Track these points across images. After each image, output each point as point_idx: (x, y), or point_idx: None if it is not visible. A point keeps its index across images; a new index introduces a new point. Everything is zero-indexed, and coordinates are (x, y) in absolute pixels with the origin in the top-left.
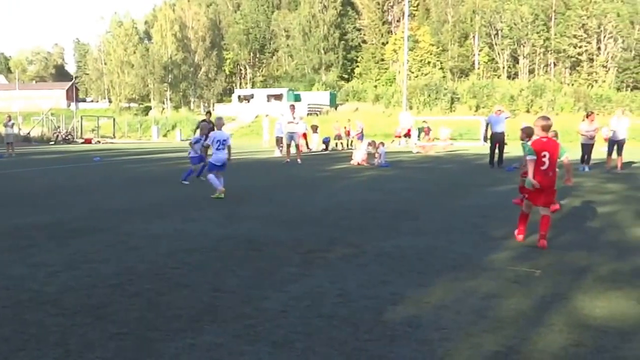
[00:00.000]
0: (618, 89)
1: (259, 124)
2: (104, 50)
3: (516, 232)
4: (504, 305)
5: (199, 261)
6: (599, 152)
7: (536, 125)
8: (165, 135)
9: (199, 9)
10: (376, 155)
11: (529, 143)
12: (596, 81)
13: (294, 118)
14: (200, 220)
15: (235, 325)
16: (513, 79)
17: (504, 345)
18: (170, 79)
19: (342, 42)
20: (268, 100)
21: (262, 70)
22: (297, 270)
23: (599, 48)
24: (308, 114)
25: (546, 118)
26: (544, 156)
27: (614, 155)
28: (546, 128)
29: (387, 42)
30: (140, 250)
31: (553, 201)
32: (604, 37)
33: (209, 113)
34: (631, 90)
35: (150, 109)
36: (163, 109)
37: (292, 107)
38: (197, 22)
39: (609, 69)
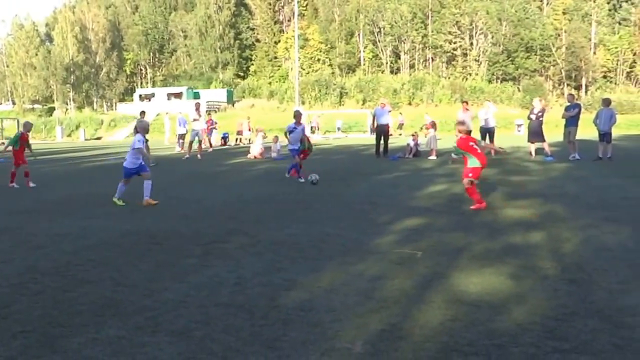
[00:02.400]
0: (489, 81)
1: (160, 122)
2: (5, 52)
3: (476, 205)
4: (388, 285)
5: (101, 257)
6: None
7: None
8: (69, 135)
9: (98, 11)
10: (272, 148)
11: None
12: (470, 74)
13: (200, 116)
14: (103, 216)
15: (137, 318)
16: (396, 73)
17: (388, 324)
18: (72, 80)
19: (237, 41)
20: (168, 99)
21: (162, 70)
22: (197, 262)
23: (471, 43)
24: (207, 111)
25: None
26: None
27: (487, 142)
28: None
29: (279, 41)
30: (45, 249)
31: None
32: (476, 33)
33: (143, 113)
34: (501, 82)
35: (54, 109)
36: (67, 109)
37: (197, 104)
38: (97, 24)
39: (481, 63)
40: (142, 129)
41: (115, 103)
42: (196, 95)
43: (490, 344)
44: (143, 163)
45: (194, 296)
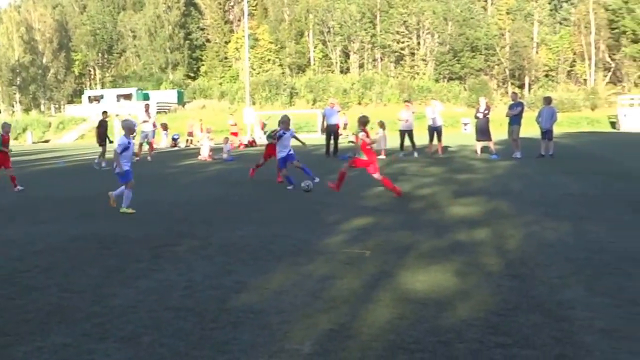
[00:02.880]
0: (437, 80)
1: (110, 123)
2: None
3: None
4: (337, 285)
5: (49, 263)
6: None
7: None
8: (16, 138)
9: (44, 11)
10: (223, 149)
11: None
12: (417, 74)
13: (149, 117)
14: (51, 221)
15: (84, 325)
16: (345, 73)
17: (337, 323)
18: (18, 82)
19: (187, 41)
20: (118, 100)
21: (111, 71)
22: (146, 266)
23: (418, 43)
24: (157, 112)
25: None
26: None
27: (435, 141)
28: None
29: (230, 41)
30: None
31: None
32: (423, 32)
33: (105, 113)
34: (447, 81)
35: (0, 112)
36: (13, 111)
37: (147, 106)
38: (44, 24)
39: (428, 62)
40: (126, 129)
41: (64, 105)
42: (146, 97)
43: (436, 341)
44: (118, 170)
45: (144, 301)
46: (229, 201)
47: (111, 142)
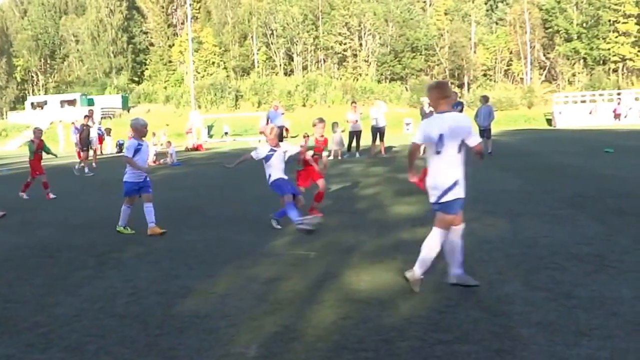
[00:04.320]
0: (379, 81)
1: (54, 130)
2: None
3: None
4: (283, 287)
5: None
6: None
7: None
8: None
9: None
10: (168, 154)
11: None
12: (360, 75)
13: (93, 123)
14: None
15: (28, 335)
16: (289, 75)
17: (282, 325)
18: None
19: (131, 45)
20: (62, 106)
21: (54, 76)
22: (91, 273)
23: (360, 44)
24: (102, 118)
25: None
26: None
27: (378, 141)
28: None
29: (173, 45)
30: None
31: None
32: (364, 34)
33: (87, 117)
34: (389, 81)
35: None
36: None
37: (91, 112)
38: None
39: (370, 63)
40: (135, 130)
41: (6, 112)
42: (90, 102)
43: (379, 340)
44: (147, 178)
45: (88, 309)
46: (173, 206)
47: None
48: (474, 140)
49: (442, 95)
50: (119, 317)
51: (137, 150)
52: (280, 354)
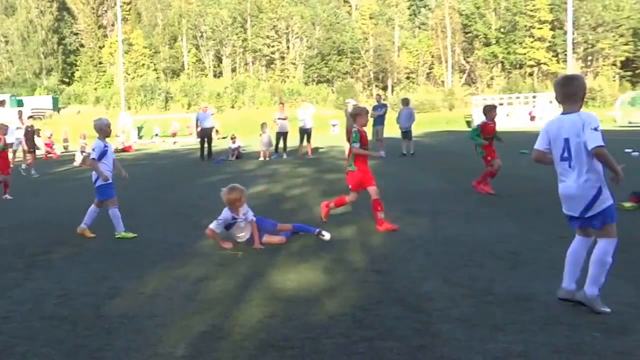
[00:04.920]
0: (306, 83)
1: None
2: None
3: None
4: (211, 287)
5: None
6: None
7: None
8: None
9: None
10: None
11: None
12: (288, 77)
13: (22, 124)
14: None
15: None
16: (218, 77)
17: (210, 325)
18: None
19: (61, 46)
20: None
21: None
22: (20, 275)
23: (288, 47)
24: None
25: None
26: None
27: (305, 142)
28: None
29: (104, 46)
30: None
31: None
32: (292, 37)
33: (30, 117)
34: (316, 84)
35: None
36: None
37: (20, 112)
38: None
39: (297, 66)
40: (100, 131)
41: None
42: (20, 103)
43: (305, 337)
44: (100, 182)
45: (17, 311)
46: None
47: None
48: None
49: None
50: (48, 319)
51: (103, 153)
52: (208, 353)
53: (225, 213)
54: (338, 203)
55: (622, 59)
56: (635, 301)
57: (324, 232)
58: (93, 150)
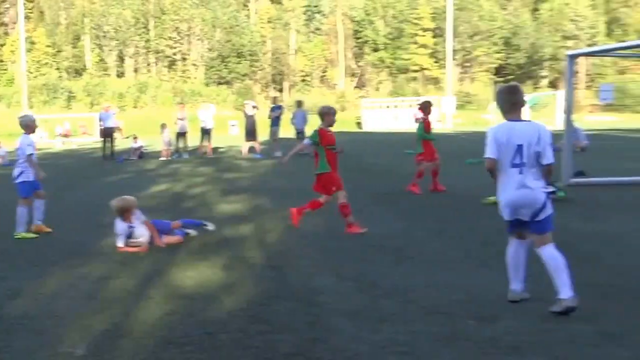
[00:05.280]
0: (207, 84)
1: None
2: None
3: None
4: (112, 286)
5: None
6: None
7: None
8: None
9: None
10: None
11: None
12: (189, 78)
13: None
14: None
15: None
16: (121, 77)
17: (111, 323)
18: None
19: None
20: None
21: None
22: None
23: (190, 48)
24: None
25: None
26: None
27: (205, 142)
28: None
29: (5, 44)
30: None
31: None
32: (193, 38)
33: None
34: (217, 85)
35: None
36: None
37: None
38: None
39: (198, 67)
40: (26, 127)
41: None
42: None
43: (203, 333)
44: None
45: None
46: (2, 207)
47: None
48: None
49: None
50: None
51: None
52: (108, 351)
53: (120, 225)
54: (346, 214)
55: (496, 65)
56: (505, 291)
57: (207, 223)
58: (29, 146)
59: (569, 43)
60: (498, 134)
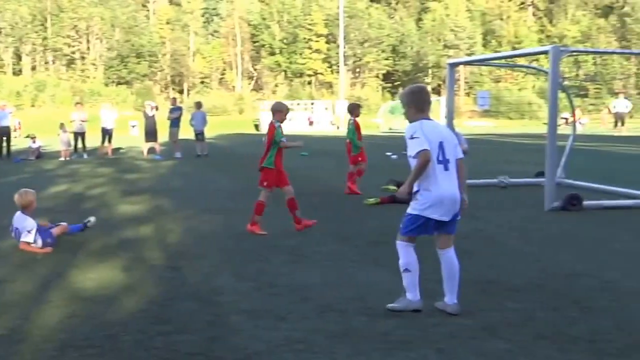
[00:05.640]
0: (106, 84)
1: None
2: None
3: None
4: (9, 289)
5: None
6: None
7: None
8: None
9: None
10: None
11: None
12: (88, 77)
13: None
14: None
15: None
16: (18, 75)
17: (8, 328)
18: None
19: None
20: None
21: None
22: None
23: (88, 47)
24: None
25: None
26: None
27: (106, 142)
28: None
29: None
30: None
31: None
32: (92, 37)
33: None
34: (116, 85)
35: None
36: None
37: None
38: None
39: (97, 67)
40: None
41: None
42: None
43: (104, 335)
44: None
45: None
46: None
47: None
48: None
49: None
50: None
51: None
52: (6, 357)
53: (29, 220)
54: (259, 212)
55: (384, 72)
56: (395, 287)
57: (90, 219)
58: None
59: (450, 52)
60: (425, 130)
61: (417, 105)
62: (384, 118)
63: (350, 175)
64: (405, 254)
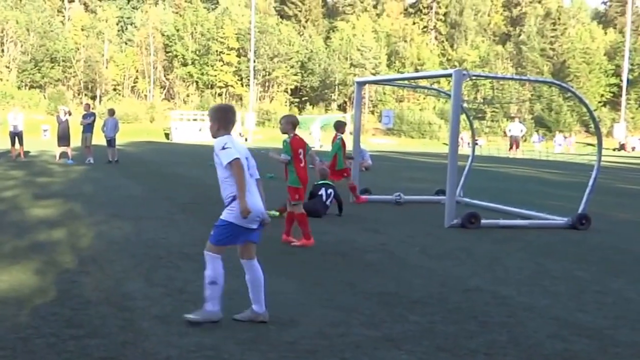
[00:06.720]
0: (19, 88)
1: None
2: None
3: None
4: None
5: None
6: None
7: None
8: None
9: None
10: None
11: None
12: (1, 80)
13: None
14: None
15: None
16: None
17: None
18: None
19: None
20: None
21: None
22: None
23: (2, 50)
24: None
25: (293, 116)
26: (300, 153)
27: (17, 145)
28: (296, 125)
29: None
30: None
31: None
32: (7, 41)
33: None
34: (29, 89)
35: None
36: None
37: None
38: None
39: (11, 70)
40: None
41: None
42: None
43: (16, 338)
44: None
45: None
46: None
47: None
48: None
49: None
50: None
51: None
52: None
53: None
54: (304, 226)
55: (292, 87)
56: (300, 297)
57: None
58: None
59: (356, 70)
60: (234, 143)
61: (223, 123)
62: (317, 132)
63: (351, 187)
64: (216, 265)
